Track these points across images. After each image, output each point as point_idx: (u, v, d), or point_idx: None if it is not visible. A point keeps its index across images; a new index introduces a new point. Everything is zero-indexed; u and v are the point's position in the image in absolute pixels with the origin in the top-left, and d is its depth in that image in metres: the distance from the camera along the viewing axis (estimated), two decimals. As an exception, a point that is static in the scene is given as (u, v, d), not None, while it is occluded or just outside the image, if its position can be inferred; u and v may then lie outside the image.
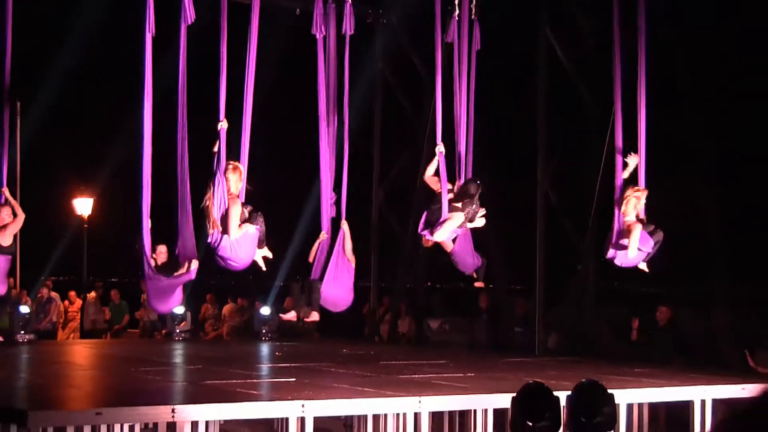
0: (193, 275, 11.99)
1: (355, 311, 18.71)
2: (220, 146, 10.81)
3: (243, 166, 11.06)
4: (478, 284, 13.65)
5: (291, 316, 13.36)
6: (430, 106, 14.92)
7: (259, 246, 11.23)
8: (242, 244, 10.77)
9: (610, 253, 11.64)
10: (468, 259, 13.03)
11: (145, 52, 11.62)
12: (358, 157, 17.81)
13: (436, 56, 12.06)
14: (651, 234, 11.55)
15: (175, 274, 11.65)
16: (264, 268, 11.60)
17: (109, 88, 21.85)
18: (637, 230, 11.34)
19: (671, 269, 11.78)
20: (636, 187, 11.56)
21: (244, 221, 10.83)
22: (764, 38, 13.77)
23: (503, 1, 14.59)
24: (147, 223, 11.19)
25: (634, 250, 11.34)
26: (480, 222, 12.06)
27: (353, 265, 12.39)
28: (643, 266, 11.76)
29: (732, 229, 14.04)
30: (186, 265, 11.54)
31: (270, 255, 11.74)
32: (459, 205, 11.72)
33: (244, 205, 10.93)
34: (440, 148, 11.87)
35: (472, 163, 12.40)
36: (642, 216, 11.57)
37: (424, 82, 16.80)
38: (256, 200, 11.16)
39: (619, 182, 11.68)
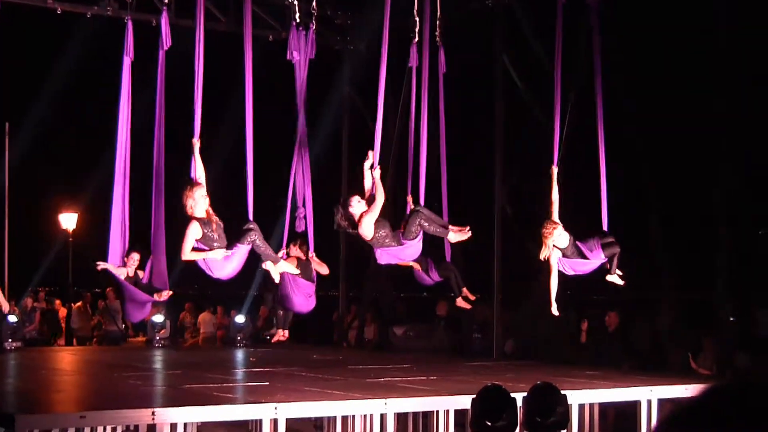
0: (163, 299, 11.97)
1: (324, 319, 18.68)
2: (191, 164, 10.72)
3: (249, 189, 10.89)
4: (463, 304, 13.35)
5: (280, 336, 13.29)
6: (394, 126, 14.99)
7: (273, 261, 11.06)
8: (211, 262, 10.58)
9: (559, 266, 11.59)
10: (425, 278, 13.02)
11: (123, 75, 11.59)
12: (328, 175, 17.83)
13: (379, 80, 11.46)
14: (606, 246, 11.49)
15: (146, 295, 11.64)
16: (276, 281, 11.52)
17: (93, 108, 21.73)
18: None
19: (620, 277, 11.78)
20: (550, 224, 11.41)
21: (219, 241, 10.55)
22: (699, 57, 13.87)
23: (463, 27, 14.62)
24: (119, 233, 11.23)
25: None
26: (458, 237, 11.62)
27: (292, 272, 12.01)
28: (615, 279, 11.64)
29: (675, 243, 14.13)
30: (159, 293, 11.55)
31: (294, 271, 11.65)
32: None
33: (250, 223, 10.69)
34: (372, 168, 11.14)
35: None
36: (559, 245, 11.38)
37: (388, 104, 16.77)
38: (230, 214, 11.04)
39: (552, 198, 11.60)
